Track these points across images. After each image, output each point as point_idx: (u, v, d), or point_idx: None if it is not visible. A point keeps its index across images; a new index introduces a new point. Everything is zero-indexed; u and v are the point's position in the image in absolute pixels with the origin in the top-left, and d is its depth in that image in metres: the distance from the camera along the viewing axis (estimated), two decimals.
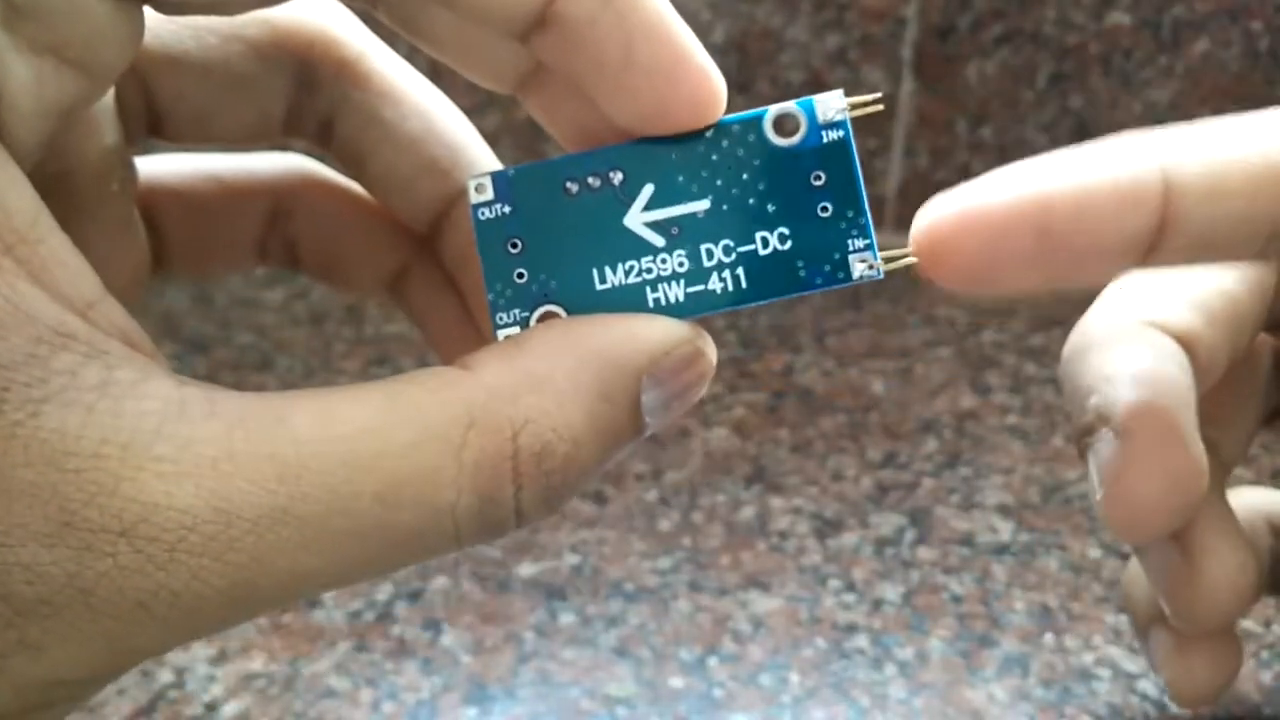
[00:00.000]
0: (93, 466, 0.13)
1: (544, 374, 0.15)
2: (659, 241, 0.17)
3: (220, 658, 0.29)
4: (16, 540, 0.13)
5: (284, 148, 0.21)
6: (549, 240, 0.17)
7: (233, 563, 0.13)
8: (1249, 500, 0.25)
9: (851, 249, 0.16)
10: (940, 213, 0.16)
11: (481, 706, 0.27)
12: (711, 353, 0.17)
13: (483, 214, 0.17)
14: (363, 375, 0.42)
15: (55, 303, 0.13)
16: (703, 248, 0.16)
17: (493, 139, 0.21)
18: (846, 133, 0.16)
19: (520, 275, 0.17)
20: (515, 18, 0.16)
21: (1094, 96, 0.46)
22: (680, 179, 0.16)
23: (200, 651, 0.29)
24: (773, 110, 0.16)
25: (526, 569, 0.32)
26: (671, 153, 0.17)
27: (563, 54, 0.16)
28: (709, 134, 0.16)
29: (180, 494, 0.13)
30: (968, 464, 0.36)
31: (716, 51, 0.44)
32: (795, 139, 0.16)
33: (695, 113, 0.16)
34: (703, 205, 0.16)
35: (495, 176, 0.17)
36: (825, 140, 0.16)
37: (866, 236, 0.16)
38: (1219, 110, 0.50)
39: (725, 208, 0.16)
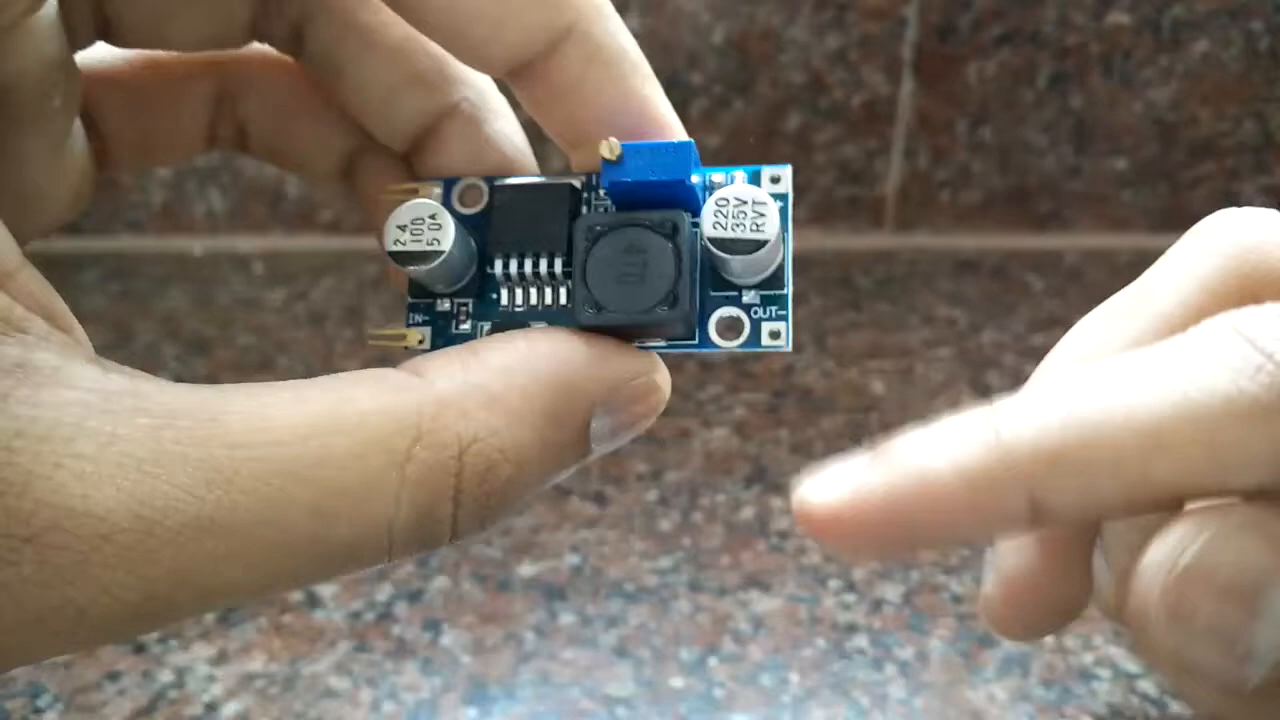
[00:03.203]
0: (2, 462, 0.12)
1: (499, 391, 0.15)
2: None
3: (220, 658, 0.29)
4: None
5: None
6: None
7: (148, 576, 0.12)
8: None
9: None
10: (814, 498, 0.14)
11: (481, 706, 0.27)
12: (666, 386, 0.17)
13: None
14: None
15: None
16: None
17: None
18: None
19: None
20: (497, 67, 0.16)
21: (1094, 96, 0.46)
22: None
23: (200, 651, 0.29)
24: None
25: (526, 569, 0.32)
26: None
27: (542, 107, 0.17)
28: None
29: (99, 498, 0.12)
30: None
31: (716, 51, 0.44)
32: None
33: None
34: None
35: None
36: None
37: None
38: (1219, 110, 0.50)
39: None
